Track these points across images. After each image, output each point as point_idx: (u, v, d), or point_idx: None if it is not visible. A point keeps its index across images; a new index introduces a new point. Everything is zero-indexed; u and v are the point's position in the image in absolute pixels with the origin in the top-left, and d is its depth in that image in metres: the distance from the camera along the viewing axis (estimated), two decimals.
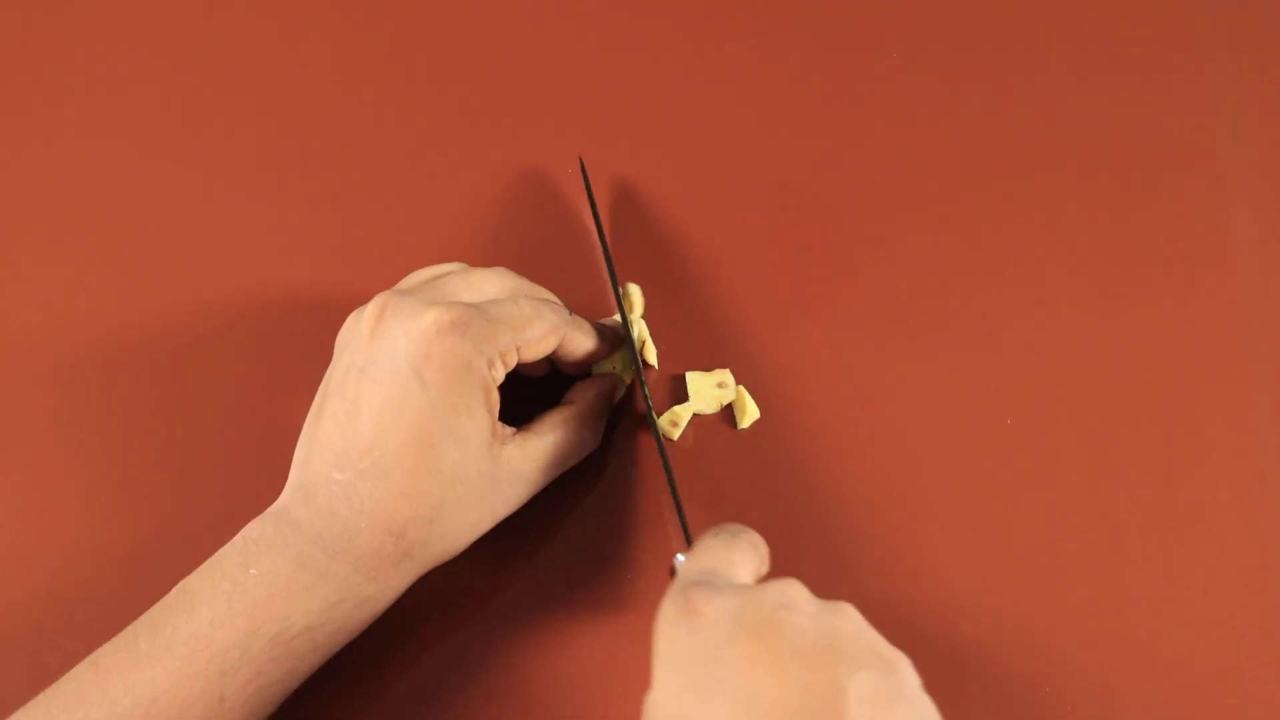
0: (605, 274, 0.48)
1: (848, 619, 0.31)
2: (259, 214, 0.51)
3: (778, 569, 0.44)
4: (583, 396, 0.43)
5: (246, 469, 0.44)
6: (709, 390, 0.46)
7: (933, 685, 0.40)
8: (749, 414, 0.46)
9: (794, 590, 0.32)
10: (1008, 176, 0.52)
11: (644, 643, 0.42)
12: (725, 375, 0.47)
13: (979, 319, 0.49)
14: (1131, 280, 0.50)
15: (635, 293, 0.48)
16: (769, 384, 0.47)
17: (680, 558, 0.37)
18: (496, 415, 0.38)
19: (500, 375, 0.37)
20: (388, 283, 0.42)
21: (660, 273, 0.49)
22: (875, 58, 0.55)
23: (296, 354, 0.46)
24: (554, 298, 0.43)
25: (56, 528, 0.45)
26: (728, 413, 0.47)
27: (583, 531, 0.45)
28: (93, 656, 0.34)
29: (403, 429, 0.35)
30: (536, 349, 0.39)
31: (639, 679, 0.42)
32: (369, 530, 0.35)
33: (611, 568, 0.44)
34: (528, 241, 0.50)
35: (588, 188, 0.49)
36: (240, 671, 0.33)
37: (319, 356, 0.40)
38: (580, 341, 0.41)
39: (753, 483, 0.45)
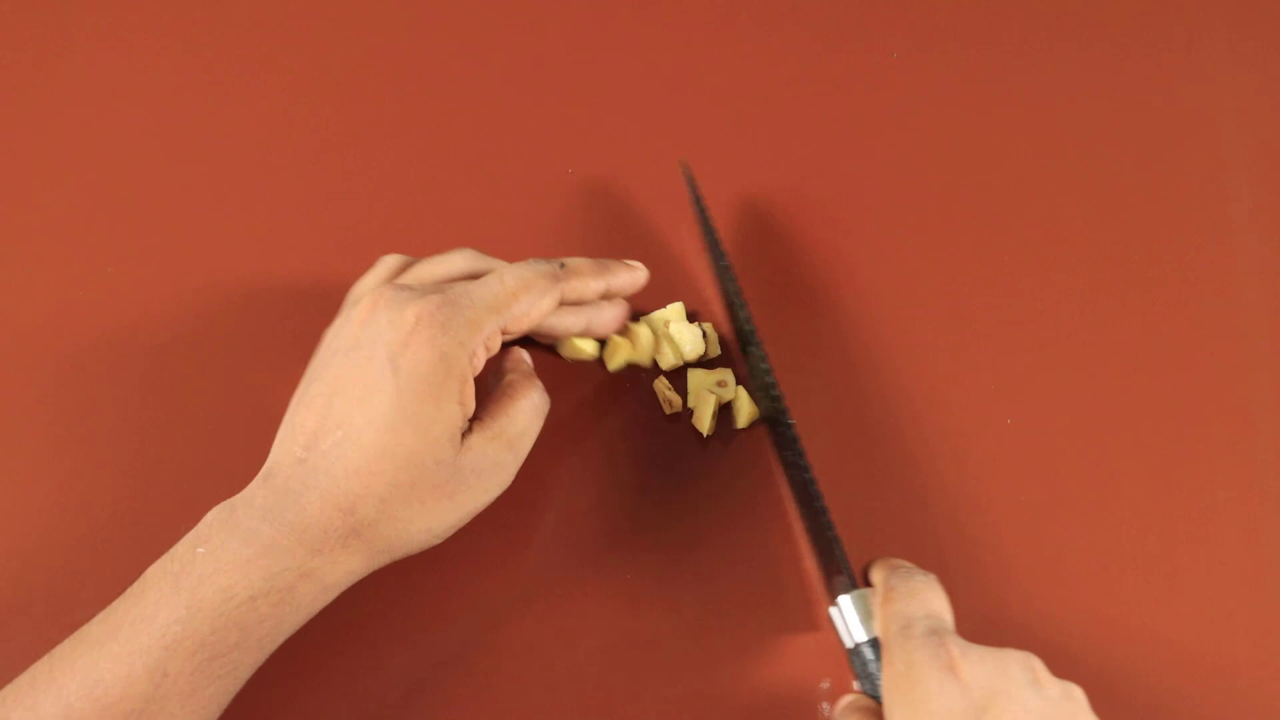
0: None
1: (1085, 707, 0.33)
2: (251, 205, 0.50)
3: (776, 570, 0.44)
4: (513, 365, 0.42)
5: (238, 463, 0.44)
6: (709, 386, 0.46)
7: None
8: (746, 413, 0.46)
9: (1037, 665, 0.33)
10: (1008, 177, 0.52)
11: (639, 637, 0.41)
12: (726, 374, 0.46)
13: (979, 319, 0.49)
14: (1132, 280, 0.50)
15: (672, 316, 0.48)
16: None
17: (845, 597, 0.37)
18: (470, 408, 0.37)
19: (481, 363, 0.38)
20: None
21: (656, 274, 0.49)
22: (874, 57, 0.55)
23: (292, 346, 0.46)
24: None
25: (47, 524, 0.45)
26: (726, 412, 0.47)
27: (581, 531, 0.45)
28: (51, 651, 0.34)
29: (367, 411, 0.35)
30: (525, 322, 0.39)
31: (631, 670, 0.42)
32: (318, 505, 0.35)
33: (609, 565, 0.44)
34: (523, 237, 0.50)
35: (693, 192, 0.47)
36: (183, 645, 0.33)
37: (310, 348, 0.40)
38: (584, 287, 0.41)
39: (751, 482, 0.45)
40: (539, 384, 0.41)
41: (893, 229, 0.51)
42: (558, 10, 0.55)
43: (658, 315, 0.47)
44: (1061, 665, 0.42)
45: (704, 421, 0.45)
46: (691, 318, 0.48)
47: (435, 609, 0.43)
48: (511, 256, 0.47)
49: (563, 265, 0.40)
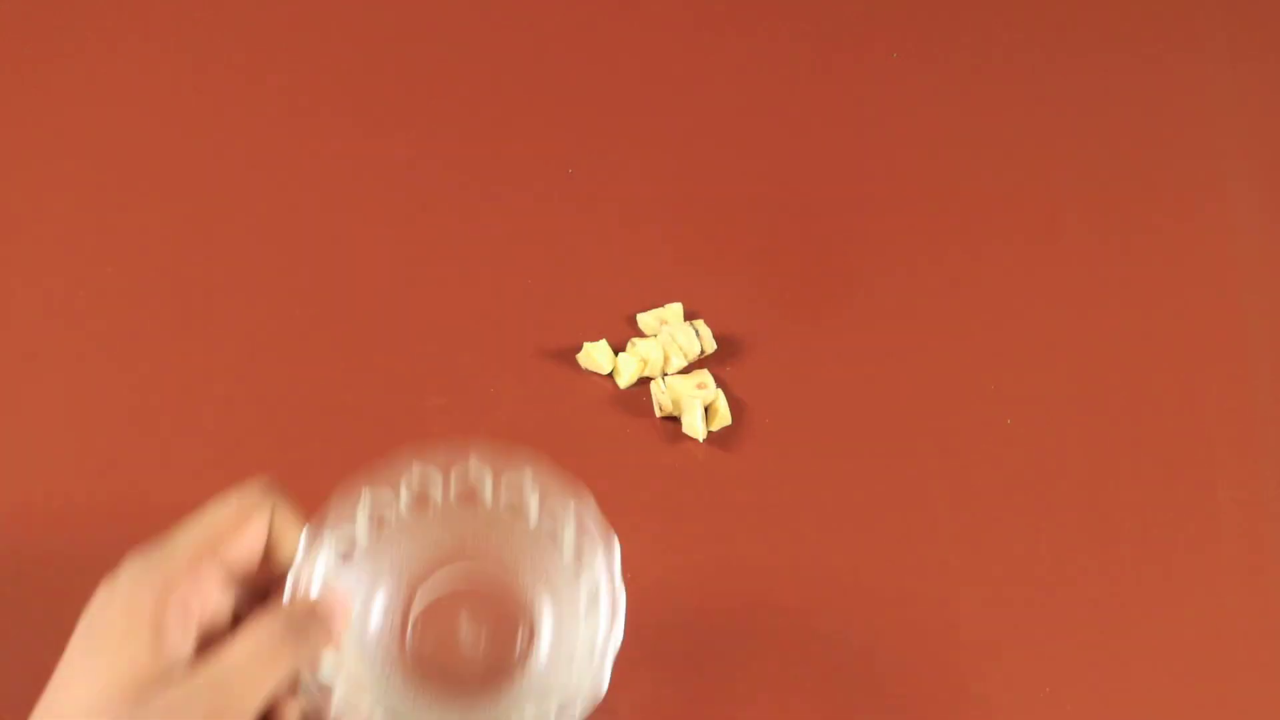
0: None
1: None
2: (251, 205, 0.51)
3: (772, 573, 0.44)
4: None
5: (235, 456, 0.44)
6: (690, 391, 0.46)
7: (926, 689, 0.40)
8: (721, 415, 0.46)
9: None
10: (1009, 177, 0.52)
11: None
12: (705, 376, 0.46)
13: (979, 319, 0.49)
14: (1132, 280, 0.50)
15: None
16: (760, 385, 0.47)
17: None
18: (163, 653, 0.30)
19: (194, 605, 0.31)
20: None
21: (646, 276, 0.49)
22: (872, 56, 0.55)
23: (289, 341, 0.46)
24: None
25: None
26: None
27: None
28: None
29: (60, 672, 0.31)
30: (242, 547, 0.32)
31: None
32: None
33: None
34: None
35: None
36: None
37: None
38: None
39: (741, 484, 0.45)
40: (281, 622, 0.32)
41: (893, 228, 0.51)
42: (563, 16, 0.56)
43: (655, 315, 0.47)
44: (1060, 661, 0.41)
45: (695, 428, 0.45)
46: (689, 316, 0.48)
47: None
48: (512, 257, 0.48)
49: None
